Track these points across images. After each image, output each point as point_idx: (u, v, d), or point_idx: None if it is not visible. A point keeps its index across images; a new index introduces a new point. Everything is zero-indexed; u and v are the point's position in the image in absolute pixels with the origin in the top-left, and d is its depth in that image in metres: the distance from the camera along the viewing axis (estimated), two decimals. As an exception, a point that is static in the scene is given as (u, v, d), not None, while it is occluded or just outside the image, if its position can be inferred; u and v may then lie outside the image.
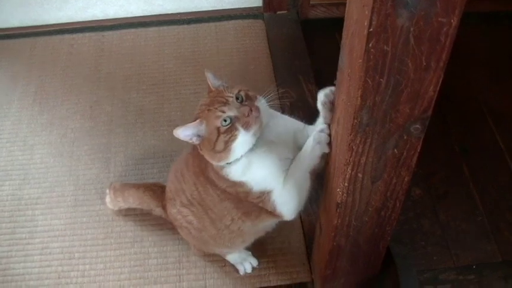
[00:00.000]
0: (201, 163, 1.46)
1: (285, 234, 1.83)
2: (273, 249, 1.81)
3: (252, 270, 1.77)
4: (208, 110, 1.31)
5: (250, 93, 1.36)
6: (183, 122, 2.09)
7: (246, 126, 1.29)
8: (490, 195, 1.96)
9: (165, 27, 2.58)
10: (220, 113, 1.29)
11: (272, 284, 1.76)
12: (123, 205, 1.88)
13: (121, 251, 1.84)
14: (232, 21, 2.59)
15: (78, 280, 1.78)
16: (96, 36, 2.56)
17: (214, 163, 1.36)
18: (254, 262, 1.78)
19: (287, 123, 1.43)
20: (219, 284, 1.75)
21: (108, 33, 2.57)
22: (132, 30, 2.58)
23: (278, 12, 2.59)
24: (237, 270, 1.77)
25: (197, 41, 2.51)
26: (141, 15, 2.62)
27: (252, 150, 1.34)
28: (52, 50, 2.52)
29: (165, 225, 1.86)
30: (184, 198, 1.55)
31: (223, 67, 2.37)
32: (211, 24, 2.58)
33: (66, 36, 2.57)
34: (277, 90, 2.22)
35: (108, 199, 1.90)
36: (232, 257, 1.77)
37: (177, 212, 1.60)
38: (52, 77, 2.40)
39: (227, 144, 1.29)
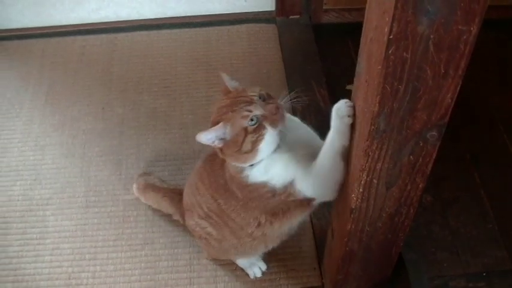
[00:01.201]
0: (218, 178, 1.45)
1: (296, 239, 1.82)
2: (283, 254, 1.81)
3: (262, 274, 1.77)
4: (233, 111, 1.27)
5: (269, 93, 1.34)
6: (195, 125, 2.16)
7: (274, 124, 1.26)
8: (500, 201, 1.95)
9: (177, 30, 2.59)
10: (247, 113, 1.25)
11: (282, 288, 1.76)
12: (145, 203, 1.93)
13: (132, 253, 1.85)
14: (245, 25, 2.59)
15: (88, 281, 1.79)
16: (108, 38, 2.57)
17: (240, 164, 1.32)
18: (263, 266, 1.78)
19: (303, 127, 1.41)
20: (229, 288, 1.76)
21: (121, 35, 2.58)
22: (145, 32, 2.59)
23: (291, 17, 2.59)
24: (247, 274, 1.77)
25: (209, 44, 2.52)
26: (154, 17, 2.63)
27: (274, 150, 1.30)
28: (64, 51, 2.52)
29: (176, 228, 1.87)
30: (201, 211, 1.56)
31: (235, 71, 2.37)
32: (224, 28, 2.58)
33: (79, 37, 2.58)
34: (289, 95, 2.22)
35: (135, 188, 1.95)
36: (241, 262, 1.77)
37: (195, 224, 1.61)
38: (64, 78, 2.40)
39: (255, 144, 1.26)
